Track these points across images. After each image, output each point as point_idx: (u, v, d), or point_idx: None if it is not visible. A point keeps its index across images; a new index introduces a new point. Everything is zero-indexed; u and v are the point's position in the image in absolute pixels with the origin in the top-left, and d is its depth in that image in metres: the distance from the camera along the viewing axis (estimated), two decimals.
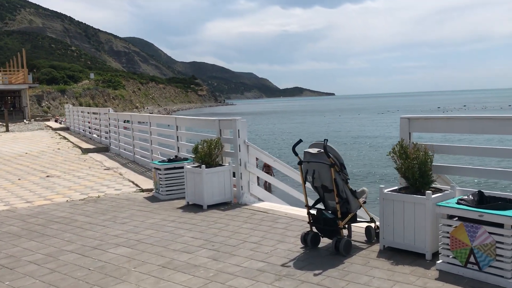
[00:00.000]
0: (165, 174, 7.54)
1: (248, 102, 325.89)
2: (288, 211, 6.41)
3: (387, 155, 4.79)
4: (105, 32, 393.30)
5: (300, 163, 4.79)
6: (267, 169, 16.49)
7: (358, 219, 5.12)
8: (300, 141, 4.83)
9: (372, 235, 4.99)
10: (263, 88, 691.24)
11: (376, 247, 4.76)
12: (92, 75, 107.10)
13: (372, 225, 5.05)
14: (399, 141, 4.71)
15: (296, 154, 4.87)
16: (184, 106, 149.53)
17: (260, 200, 7.37)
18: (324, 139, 4.58)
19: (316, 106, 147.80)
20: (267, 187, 15.35)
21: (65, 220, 6.45)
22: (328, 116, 75.37)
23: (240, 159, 7.08)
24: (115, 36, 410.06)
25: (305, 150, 4.73)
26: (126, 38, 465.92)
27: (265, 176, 7.42)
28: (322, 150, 4.54)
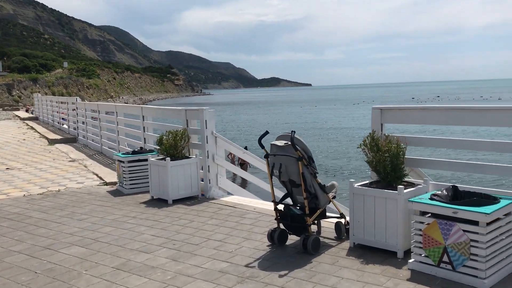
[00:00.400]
0: (129, 167, 7.16)
1: (225, 92, 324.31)
2: (257, 206, 6.13)
3: (357, 147, 4.54)
4: (80, 20, 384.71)
5: (266, 156, 4.50)
6: (243, 162, 16.08)
7: (328, 214, 4.88)
8: (267, 132, 4.53)
9: (342, 231, 4.75)
10: (240, 78, 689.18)
11: (346, 244, 4.52)
12: (65, 64, 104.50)
13: (342, 220, 4.80)
14: (370, 133, 4.46)
15: (263, 147, 4.58)
16: (160, 95, 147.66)
17: (229, 194, 7.07)
18: (291, 131, 4.29)
19: (293, 97, 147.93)
20: (243, 181, 15.00)
21: (18, 216, 6.02)
22: (305, 107, 75.38)
23: (207, 151, 6.75)
24: (90, 25, 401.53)
25: (272, 143, 4.44)
26: (101, 27, 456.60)
27: (233, 169, 7.12)
28: (289, 143, 4.26)
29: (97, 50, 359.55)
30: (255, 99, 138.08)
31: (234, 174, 13.35)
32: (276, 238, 4.55)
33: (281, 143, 4.36)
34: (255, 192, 7.67)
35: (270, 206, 5.98)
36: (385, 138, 4.46)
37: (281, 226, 4.63)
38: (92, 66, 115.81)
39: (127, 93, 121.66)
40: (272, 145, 4.42)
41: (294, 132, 4.29)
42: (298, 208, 4.54)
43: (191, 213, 5.92)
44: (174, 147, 6.57)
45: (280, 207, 4.62)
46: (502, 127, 4.10)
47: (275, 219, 4.63)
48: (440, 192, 3.91)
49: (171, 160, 6.45)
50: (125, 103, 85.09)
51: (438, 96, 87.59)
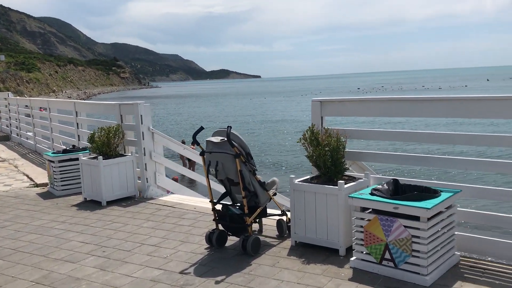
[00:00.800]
0: (60, 167, 6.66)
1: (174, 85, 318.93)
2: (197, 204, 5.84)
3: (297, 142, 4.34)
4: (17, 11, 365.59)
5: (202, 153, 4.21)
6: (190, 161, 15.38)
7: (270, 212, 4.68)
8: (202, 128, 4.24)
9: (283, 229, 4.55)
10: (189, 70, 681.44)
11: (288, 243, 4.33)
12: (2, 57, 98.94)
13: (284, 218, 4.61)
14: (309, 127, 4.27)
15: (198, 144, 4.29)
16: (105, 89, 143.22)
17: (171, 193, 6.74)
18: (227, 126, 4.02)
19: (242, 89, 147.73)
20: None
21: None
22: (254, 99, 75.34)
23: (144, 148, 6.37)
24: (28, 16, 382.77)
25: (207, 139, 4.16)
26: (41, 18, 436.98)
27: (173, 166, 6.79)
28: (225, 139, 3.99)
29: (37, 42, 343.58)
30: (204, 91, 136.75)
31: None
32: (214, 240, 4.28)
33: (217, 139, 4.09)
34: (199, 189, 7.37)
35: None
36: (324, 131, 4.28)
37: (220, 227, 4.38)
38: (32, 59, 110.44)
39: (70, 87, 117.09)
40: (207, 141, 4.14)
41: (230, 127, 4.02)
42: (237, 207, 4.30)
43: (126, 215, 5.55)
44: (107, 145, 6.14)
45: (219, 207, 4.36)
46: (440, 117, 4.02)
47: (214, 219, 4.37)
48: (380, 187, 3.78)
49: (104, 158, 6.03)
50: (69, 97, 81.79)
51: (383, 86, 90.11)
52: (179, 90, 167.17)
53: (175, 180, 12.09)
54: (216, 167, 4.04)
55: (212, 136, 4.19)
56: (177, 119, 43.33)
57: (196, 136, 4.25)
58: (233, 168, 4.02)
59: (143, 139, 6.34)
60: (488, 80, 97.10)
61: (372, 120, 27.08)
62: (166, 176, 11.02)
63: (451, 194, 3.61)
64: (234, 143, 4.01)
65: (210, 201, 4.37)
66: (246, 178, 4.08)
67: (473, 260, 3.74)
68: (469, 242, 3.88)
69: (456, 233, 3.77)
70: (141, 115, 6.29)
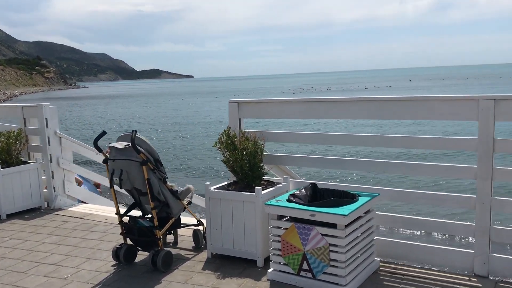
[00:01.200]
0: None
1: (102, 85, 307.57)
2: (109, 215, 5.38)
3: (213, 146, 4.05)
4: None
5: (105, 161, 3.81)
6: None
7: (185, 222, 4.36)
8: (104, 133, 3.83)
9: (200, 240, 4.25)
10: (118, 70, 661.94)
11: (204, 255, 4.03)
12: None
13: (201, 228, 4.31)
14: (225, 130, 3.99)
15: (100, 150, 3.88)
16: (28, 90, 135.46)
17: (82, 202, 6.20)
18: (132, 130, 3.65)
19: (174, 89, 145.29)
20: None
21: None
22: (186, 99, 74.24)
23: (50, 154, 5.80)
24: None
25: (110, 145, 3.75)
26: None
27: (85, 173, 6.25)
28: (130, 144, 3.62)
29: None
30: (135, 91, 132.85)
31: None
32: (122, 256, 3.89)
33: (120, 145, 3.70)
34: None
35: None
36: (241, 134, 4.03)
37: (129, 241, 3.99)
38: None
39: None
40: (110, 147, 3.74)
41: (136, 131, 3.65)
42: (147, 219, 3.93)
43: (27, 230, 4.99)
44: (7, 152, 5.52)
45: (127, 219, 3.97)
46: (360, 119, 3.91)
47: (121, 233, 3.97)
48: (298, 192, 3.58)
49: (4, 167, 5.41)
50: None
51: (312, 87, 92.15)
52: (108, 90, 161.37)
53: (97, 186, 11.30)
54: (120, 176, 3.65)
55: (117, 141, 3.80)
56: (101, 122, 41.36)
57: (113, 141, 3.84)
58: (139, 177, 3.66)
59: (49, 144, 5.77)
60: (410, 80, 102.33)
61: (308, 123, 25.65)
62: (88, 182, 10.31)
63: (369, 198, 3.48)
64: (140, 148, 3.65)
65: (116, 213, 3.97)
66: (155, 187, 3.73)
67: (392, 266, 3.64)
68: (388, 247, 3.79)
69: (375, 238, 3.65)
70: (46, 118, 5.72)
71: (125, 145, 3.67)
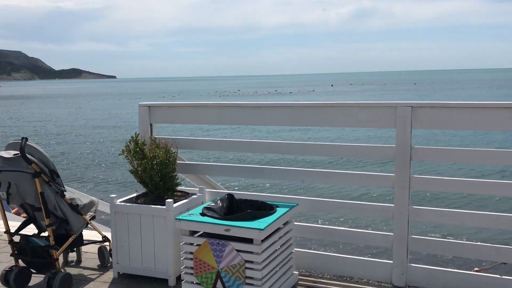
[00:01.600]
0: None
1: (16, 84, 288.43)
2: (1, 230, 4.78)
3: (119, 154, 3.68)
4: None
5: None
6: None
7: (89, 239, 3.94)
8: None
9: (106, 258, 3.85)
10: (35, 69, 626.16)
11: (110, 275, 3.65)
12: None
13: (107, 244, 3.91)
14: (132, 136, 3.64)
15: None
16: None
17: None
18: (22, 138, 3.19)
19: (96, 89, 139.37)
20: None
21: None
22: (107, 100, 71.47)
23: None
24: None
25: None
26: None
27: None
28: (20, 153, 3.16)
29: None
30: (53, 92, 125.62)
31: None
32: (12, 280, 3.41)
33: (8, 154, 3.23)
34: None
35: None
36: (151, 142, 3.70)
37: (21, 262, 3.51)
38: None
39: None
40: None
41: (26, 139, 3.20)
42: (43, 237, 3.48)
43: None
44: None
45: (18, 238, 3.49)
46: (278, 126, 3.73)
47: (11, 254, 3.49)
48: (214, 204, 3.31)
49: None
50: None
51: (239, 90, 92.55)
52: (23, 90, 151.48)
53: None
54: (8, 190, 3.18)
55: (5, 149, 3.32)
56: (18, 124, 38.64)
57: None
58: (31, 191, 3.21)
59: None
60: (332, 85, 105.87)
61: (237, 128, 24.46)
62: None
63: (287, 209, 3.30)
64: (33, 158, 3.20)
65: (5, 232, 3.47)
66: (50, 202, 3.29)
67: (312, 279, 3.48)
68: (307, 259, 3.63)
69: (294, 250, 3.48)
70: None
71: (13, 154, 3.20)
